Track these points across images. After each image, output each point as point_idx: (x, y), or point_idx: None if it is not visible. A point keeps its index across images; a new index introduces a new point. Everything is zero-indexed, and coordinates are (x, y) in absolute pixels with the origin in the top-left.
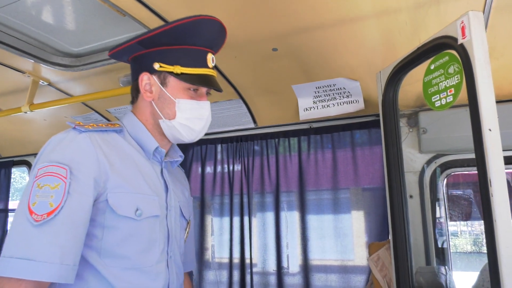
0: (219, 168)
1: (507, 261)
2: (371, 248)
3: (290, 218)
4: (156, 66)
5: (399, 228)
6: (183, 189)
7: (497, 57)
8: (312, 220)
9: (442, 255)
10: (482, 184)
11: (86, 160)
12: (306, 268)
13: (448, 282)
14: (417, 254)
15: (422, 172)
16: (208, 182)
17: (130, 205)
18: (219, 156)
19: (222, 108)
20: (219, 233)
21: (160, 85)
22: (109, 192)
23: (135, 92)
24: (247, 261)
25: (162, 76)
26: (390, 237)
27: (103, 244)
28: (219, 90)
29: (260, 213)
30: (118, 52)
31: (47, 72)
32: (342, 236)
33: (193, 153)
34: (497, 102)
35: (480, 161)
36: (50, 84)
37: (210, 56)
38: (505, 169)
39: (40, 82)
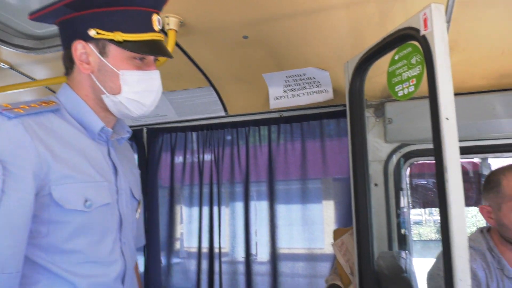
0: (189, 157)
1: (459, 243)
2: (336, 233)
3: (260, 208)
4: (92, 33)
5: (362, 215)
6: (131, 166)
7: (459, 50)
8: (282, 210)
9: (404, 241)
10: (439, 170)
11: (21, 152)
12: (276, 257)
13: (407, 265)
14: (380, 240)
15: (387, 161)
16: (177, 171)
17: (78, 197)
18: (189, 145)
19: (193, 96)
20: (188, 223)
21: (99, 55)
22: (53, 185)
23: (69, 62)
24: (216, 250)
25: (101, 44)
26: (354, 223)
27: (49, 240)
28: (169, 56)
29: (230, 203)
30: (40, 17)
31: (8, 54)
32: (312, 225)
33: (163, 141)
34: (458, 94)
35: (437, 148)
36: (11, 67)
37: (155, 18)
38: (463, 158)
39: (0, 65)
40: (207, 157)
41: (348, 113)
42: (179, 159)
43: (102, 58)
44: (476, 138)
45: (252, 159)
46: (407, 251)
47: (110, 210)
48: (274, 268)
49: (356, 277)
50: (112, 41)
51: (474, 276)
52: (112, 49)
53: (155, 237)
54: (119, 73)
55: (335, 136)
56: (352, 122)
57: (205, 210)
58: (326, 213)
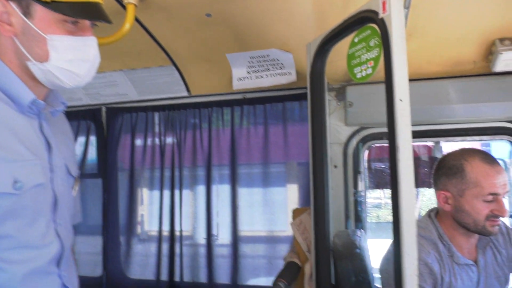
0: (150, 138)
1: (408, 218)
2: (295, 213)
3: (222, 192)
4: None
5: (319, 195)
6: (66, 141)
7: (418, 36)
8: (246, 193)
9: (360, 221)
10: (391, 149)
11: None
12: (238, 240)
13: (361, 242)
14: (338, 220)
15: (346, 144)
16: (138, 152)
17: (6, 178)
18: (150, 126)
19: (154, 75)
20: (149, 205)
21: (22, 15)
22: None
23: None
24: (177, 233)
25: (24, 3)
26: (311, 203)
27: None
28: (107, 21)
29: (192, 186)
30: None
31: None
32: (275, 208)
33: (123, 121)
34: (416, 80)
35: (390, 128)
36: None
37: None
38: (418, 142)
39: None
40: (169, 139)
41: (308, 94)
42: (140, 140)
43: (26, 19)
44: (431, 122)
45: (214, 141)
46: (362, 230)
47: (43, 191)
48: (236, 250)
49: (313, 254)
50: (37, 0)
51: (431, 271)
52: (39, 9)
53: (114, 219)
54: (47, 37)
55: (299, 120)
56: (313, 103)
57: (166, 193)
58: (290, 196)
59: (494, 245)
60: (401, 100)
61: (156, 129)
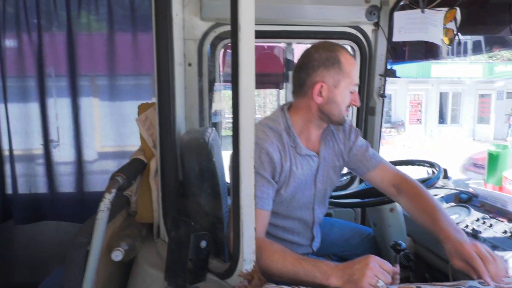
0: None
1: (245, 107)
2: (140, 109)
3: (62, 108)
4: None
5: (164, 89)
6: None
7: None
8: (105, 106)
9: (213, 120)
10: (233, 30)
11: None
12: (82, 158)
13: (210, 137)
14: (192, 119)
15: (202, 41)
16: None
17: None
18: None
19: None
20: None
21: None
22: None
23: None
24: (6, 152)
25: None
26: (156, 98)
27: None
28: None
29: (20, 99)
30: None
31: None
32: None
33: None
34: None
35: (233, 7)
36: None
37: None
38: (272, 42)
39: None
40: None
41: None
42: None
43: None
44: (283, 22)
45: (47, 43)
46: (213, 128)
47: None
48: (80, 163)
49: (158, 150)
50: None
51: (271, 160)
52: None
53: None
54: None
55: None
56: None
57: None
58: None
59: (335, 139)
60: None
61: None
